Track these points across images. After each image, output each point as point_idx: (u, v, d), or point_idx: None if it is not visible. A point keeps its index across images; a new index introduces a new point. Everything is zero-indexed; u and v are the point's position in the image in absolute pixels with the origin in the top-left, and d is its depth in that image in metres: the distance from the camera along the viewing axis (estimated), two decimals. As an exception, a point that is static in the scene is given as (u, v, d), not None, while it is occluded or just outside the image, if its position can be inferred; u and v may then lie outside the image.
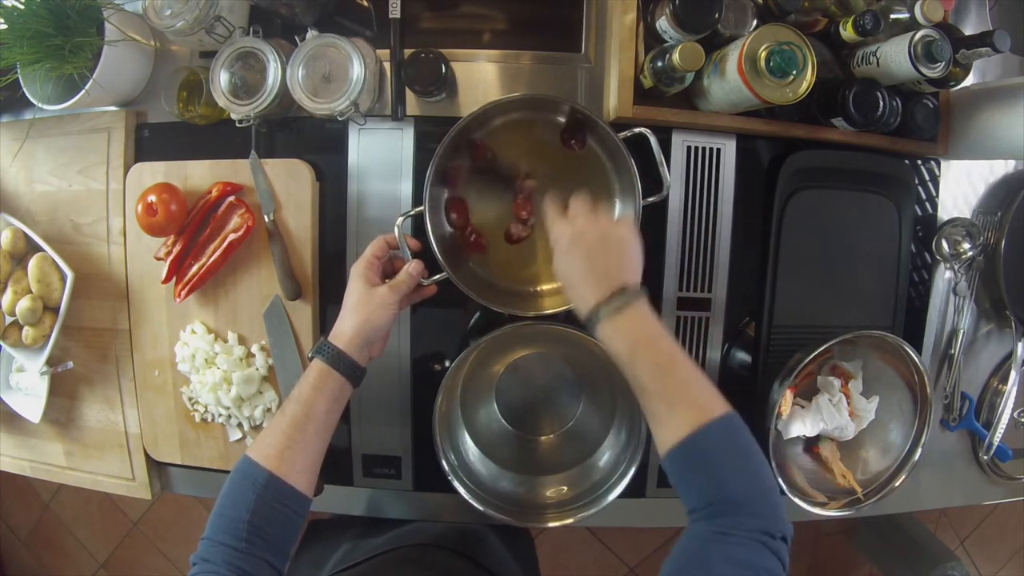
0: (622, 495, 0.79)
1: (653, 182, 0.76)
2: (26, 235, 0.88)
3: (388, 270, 0.75)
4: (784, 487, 0.80)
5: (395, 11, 0.82)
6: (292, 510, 0.61)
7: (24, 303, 0.85)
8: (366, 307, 0.68)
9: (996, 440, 0.93)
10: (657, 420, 0.58)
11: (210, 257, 0.83)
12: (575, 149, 0.79)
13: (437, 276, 0.75)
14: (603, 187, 0.80)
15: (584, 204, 0.67)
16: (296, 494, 0.62)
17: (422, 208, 0.75)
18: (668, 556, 0.53)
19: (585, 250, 0.63)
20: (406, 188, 0.84)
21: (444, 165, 0.77)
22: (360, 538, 0.86)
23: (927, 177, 0.91)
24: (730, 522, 0.52)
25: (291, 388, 0.84)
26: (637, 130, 0.75)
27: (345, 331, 0.68)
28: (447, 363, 0.85)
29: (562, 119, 0.79)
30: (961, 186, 0.92)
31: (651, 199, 0.75)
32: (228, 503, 0.60)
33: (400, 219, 0.75)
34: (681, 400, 0.57)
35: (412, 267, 0.72)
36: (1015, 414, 0.94)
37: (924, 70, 0.72)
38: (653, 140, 0.75)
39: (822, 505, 0.84)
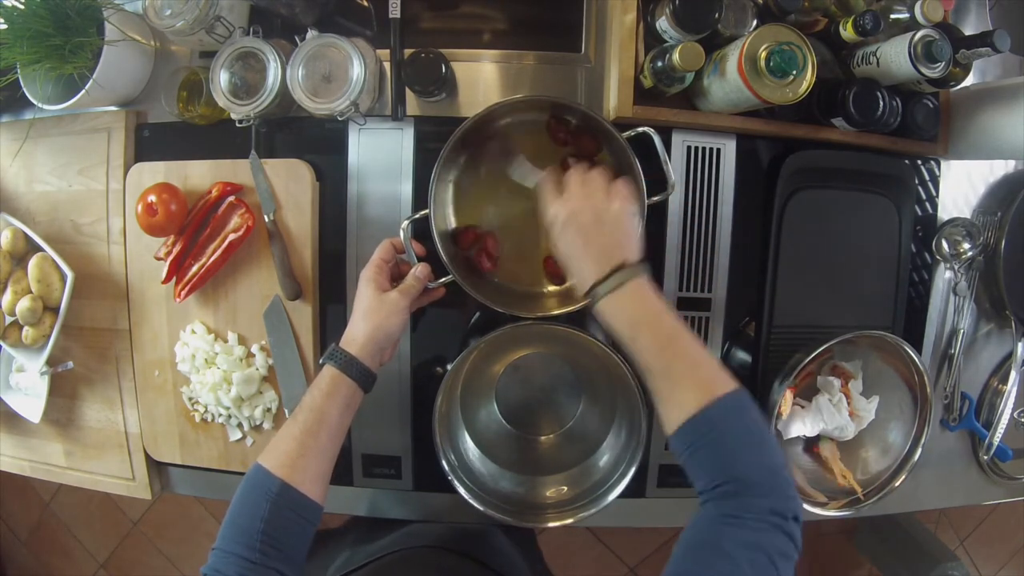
0: (622, 495, 0.79)
1: (656, 182, 0.76)
2: (26, 235, 0.88)
3: (395, 273, 0.74)
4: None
5: (395, 11, 0.82)
6: (305, 519, 0.61)
7: (24, 303, 0.85)
8: (377, 313, 0.68)
9: (996, 440, 0.93)
10: (662, 399, 0.57)
11: (210, 257, 0.83)
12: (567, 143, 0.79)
13: (444, 279, 0.74)
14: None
15: (577, 181, 0.65)
16: (309, 502, 0.61)
17: (427, 211, 0.75)
18: (678, 540, 0.52)
19: (580, 230, 0.62)
20: (406, 188, 0.83)
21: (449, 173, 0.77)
22: (358, 544, 0.86)
23: (927, 177, 0.91)
24: (740, 504, 0.51)
25: (291, 388, 0.85)
26: (641, 129, 0.74)
27: (357, 337, 0.67)
28: (447, 363, 0.85)
29: (571, 120, 0.78)
30: (961, 186, 0.92)
31: (656, 198, 0.75)
32: (240, 512, 0.59)
33: (405, 223, 0.74)
34: (685, 378, 0.56)
35: (419, 271, 0.72)
36: (1015, 414, 0.94)
37: (924, 70, 0.72)
38: (657, 139, 0.74)
39: (822, 505, 0.84)
